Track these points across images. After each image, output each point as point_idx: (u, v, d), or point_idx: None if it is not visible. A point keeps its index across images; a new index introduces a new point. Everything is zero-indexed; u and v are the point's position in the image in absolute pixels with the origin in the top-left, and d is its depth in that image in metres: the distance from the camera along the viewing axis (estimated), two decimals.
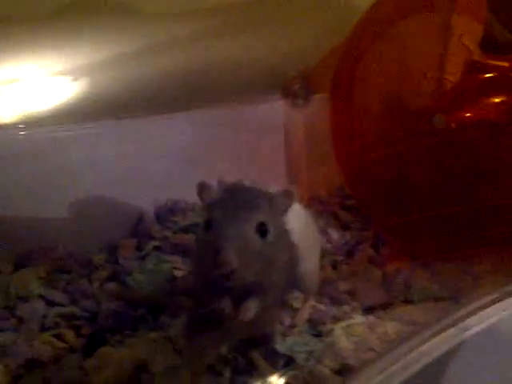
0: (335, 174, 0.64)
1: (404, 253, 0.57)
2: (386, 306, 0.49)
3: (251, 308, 0.31)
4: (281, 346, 0.40)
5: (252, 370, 0.37)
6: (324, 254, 0.56)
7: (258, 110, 0.64)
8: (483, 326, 0.33)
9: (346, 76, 0.60)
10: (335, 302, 0.49)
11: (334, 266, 0.55)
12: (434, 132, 0.52)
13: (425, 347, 0.31)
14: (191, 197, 0.58)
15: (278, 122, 0.67)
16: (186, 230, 0.52)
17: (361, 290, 0.51)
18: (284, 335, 0.42)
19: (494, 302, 0.35)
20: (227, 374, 0.37)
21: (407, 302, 0.50)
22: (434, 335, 0.32)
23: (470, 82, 0.54)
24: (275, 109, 0.66)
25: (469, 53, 0.54)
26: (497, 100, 0.52)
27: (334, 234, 0.60)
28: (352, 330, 0.42)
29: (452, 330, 0.32)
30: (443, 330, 0.32)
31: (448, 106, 0.53)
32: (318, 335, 0.42)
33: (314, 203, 0.67)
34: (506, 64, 0.54)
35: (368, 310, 0.48)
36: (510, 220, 0.52)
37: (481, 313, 0.34)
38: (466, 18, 0.55)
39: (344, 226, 0.63)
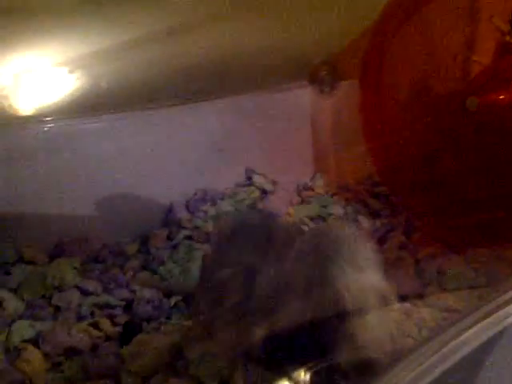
0: (363, 162, 0.64)
1: (436, 239, 0.56)
2: (419, 293, 0.48)
3: None
4: None
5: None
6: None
7: (284, 98, 0.64)
8: None
9: (374, 62, 0.59)
10: None
11: None
12: (467, 115, 0.50)
13: (464, 337, 0.30)
14: (220, 185, 0.60)
15: (305, 110, 0.66)
16: (216, 218, 0.52)
17: (394, 277, 0.50)
18: None
19: None
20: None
21: (441, 288, 0.49)
22: (473, 324, 0.31)
23: (502, 64, 0.53)
24: (302, 96, 0.66)
25: (500, 34, 0.53)
26: None
27: (365, 222, 0.60)
28: (389, 317, 0.41)
29: (492, 318, 0.32)
30: (483, 318, 0.32)
31: (480, 88, 0.52)
32: None
33: (342, 191, 0.66)
34: None
35: (403, 297, 0.48)
36: None
37: None
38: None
39: (374, 214, 0.62)
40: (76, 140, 0.50)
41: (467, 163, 0.54)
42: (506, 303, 0.33)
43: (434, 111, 0.54)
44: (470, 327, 0.31)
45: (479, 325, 0.31)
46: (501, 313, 0.32)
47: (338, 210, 0.62)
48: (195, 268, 0.45)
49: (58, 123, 0.51)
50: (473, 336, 0.30)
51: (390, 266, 0.52)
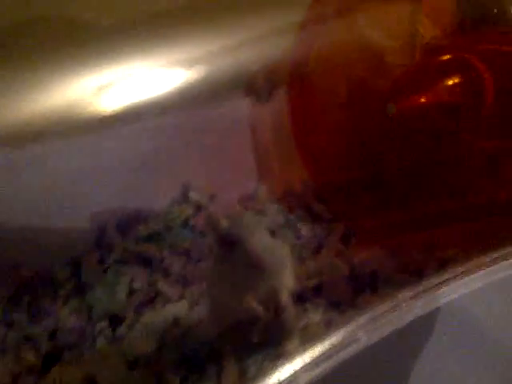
0: None
1: (372, 242, 0.56)
2: (352, 300, 0.49)
3: None
4: None
5: None
6: (293, 250, 0.56)
7: (221, 109, 0.64)
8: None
9: (302, 65, 0.59)
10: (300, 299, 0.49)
11: (302, 262, 0.55)
12: (388, 120, 0.51)
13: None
14: (155, 205, 0.60)
15: (244, 120, 0.66)
16: (148, 238, 0.52)
17: (327, 285, 0.51)
18: None
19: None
20: None
21: (373, 293, 0.50)
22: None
23: (425, 65, 0.53)
24: (239, 106, 0.66)
25: (424, 35, 0.53)
26: (452, 82, 0.51)
27: (304, 229, 0.60)
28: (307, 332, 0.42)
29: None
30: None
31: (404, 90, 0.52)
32: None
33: (286, 198, 0.67)
34: (461, 44, 0.52)
35: (333, 306, 0.48)
36: (475, 203, 0.51)
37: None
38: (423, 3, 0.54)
39: (316, 218, 0.62)
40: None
41: (399, 167, 0.54)
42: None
43: (359, 116, 0.54)
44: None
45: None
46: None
47: (279, 218, 0.62)
48: (122, 292, 0.46)
49: None
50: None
51: (324, 274, 0.53)
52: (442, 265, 0.51)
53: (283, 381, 0.29)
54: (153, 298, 0.45)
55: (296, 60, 0.59)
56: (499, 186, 0.48)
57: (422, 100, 0.51)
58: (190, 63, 0.62)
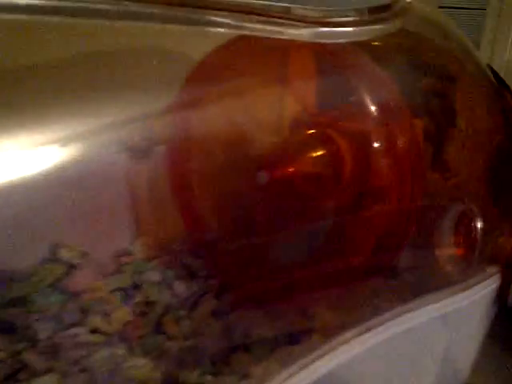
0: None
1: (247, 300, 0.59)
2: (226, 360, 0.50)
3: None
4: None
5: None
6: (168, 310, 0.56)
7: (96, 165, 0.63)
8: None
9: (181, 127, 0.61)
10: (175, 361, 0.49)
11: (178, 322, 0.55)
12: (264, 190, 0.55)
13: None
14: (21, 265, 0.56)
15: (120, 175, 0.66)
16: (10, 303, 0.48)
17: (202, 345, 0.52)
18: None
19: None
20: None
21: (247, 352, 0.52)
22: None
23: (294, 139, 0.58)
24: (116, 161, 0.65)
25: (294, 111, 0.58)
26: (316, 154, 0.56)
27: (180, 287, 0.60)
28: None
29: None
30: None
31: (275, 162, 0.57)
32: None
33: (163, 253, 0.67)
34: (323, 120, 0.59)
35: (212, 363, 0.49)
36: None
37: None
38: (295, 79, 0.60)
39: (192, 275, 0.63)
40: None
41: (272, 234, 0.58)
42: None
43: (233, 181, 0.57)
44: None
45: None
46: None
47: (155, 275, 0.62)
48: None
49: None
50: None
51: (199, 334, 0.54)
52: (317, 330, 0.55)
53: None
54: (16, 371, 0.42)
55: (176, 123, 0.61)
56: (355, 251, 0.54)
57: (290, 170, 0.55)
58: None
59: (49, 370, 0.41)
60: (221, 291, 0.59)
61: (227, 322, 0.56)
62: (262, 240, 0.57)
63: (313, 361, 0.34)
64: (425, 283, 0.48)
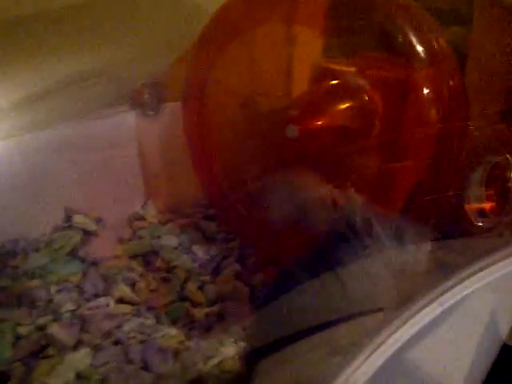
0: (197, 184, 0.62)
1: (269, 262, 0.56)
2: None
3: None
4: None
5: None
6: (190, 275, 0.54)
7: (105, 125, 0.59)
8: None
9: (197, 83, 0.57)
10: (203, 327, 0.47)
11: (202, 288, 0.53)
12: (288, 142, 0.51)
13: None
14: (35, 233, 0.53)
15: (130, 135, 0.62)
16: (30, 274, 0.46)
17: (230, 310, 0.50)
18: None
19: None
20: None
21: None
22: None
23: (317, 90, 0.55)
24: (125, 121, 0.61)
25: (314, 60, 0.54)
26: (343, 106, 0.53)
27: (199, 252, 0.58)
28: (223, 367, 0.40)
29: None
30: None
31: (298, 114, 0.53)
32: None
33: (176, 217, 0.64)
34: (352, 69, 0.55)
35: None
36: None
37: None
38: (307, 28, 0.55)
39: (209, 239, 0.61)
40: None
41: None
42: None
43: (259, 136, 0.54)
44: None
45: None
46: None
47: (171, 240, 0.59)
48: (5, 343, 0.39)
49: None
50: None
51: (226, 298, 0.52)
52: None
53: None
54: (43, 347, 0.39)
55: (192, 80, 0.57)
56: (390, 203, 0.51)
57: (318, 123, 0.52)
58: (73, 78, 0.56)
59: (79, 344, 0.39)
60: (242, 254, 0.57)
61: (252, 285, 0.53)
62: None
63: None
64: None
